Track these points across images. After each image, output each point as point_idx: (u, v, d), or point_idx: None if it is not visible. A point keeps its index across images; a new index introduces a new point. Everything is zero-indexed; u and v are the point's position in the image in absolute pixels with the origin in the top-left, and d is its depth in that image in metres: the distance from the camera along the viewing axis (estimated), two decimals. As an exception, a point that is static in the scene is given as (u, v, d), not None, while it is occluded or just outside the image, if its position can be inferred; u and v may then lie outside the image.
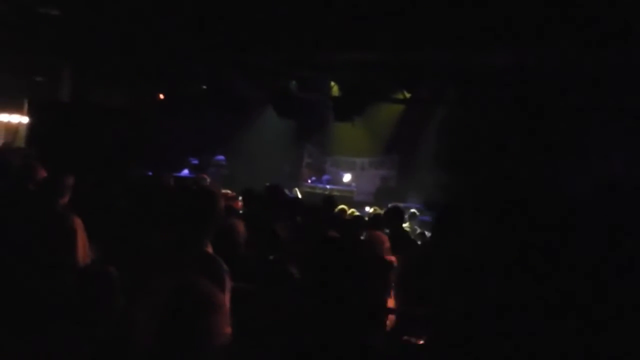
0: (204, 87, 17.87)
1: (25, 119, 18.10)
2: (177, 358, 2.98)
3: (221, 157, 19.93)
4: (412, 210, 15.26)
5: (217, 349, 3.01)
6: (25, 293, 5.00)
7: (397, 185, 20.36)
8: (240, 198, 11.20)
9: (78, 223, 6.22)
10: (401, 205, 16.29)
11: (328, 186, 19.82)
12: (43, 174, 7.10)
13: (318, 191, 19.38)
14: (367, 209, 15.20)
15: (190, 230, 4.82)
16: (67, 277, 5.09)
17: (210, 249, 4.82)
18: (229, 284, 4.64)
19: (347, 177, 20.56)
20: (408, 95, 16.39)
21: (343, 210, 12.77)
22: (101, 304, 4.37)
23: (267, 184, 10.92)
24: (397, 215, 9.60)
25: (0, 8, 14.78)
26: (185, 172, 18.04)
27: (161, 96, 18.46)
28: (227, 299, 4.56)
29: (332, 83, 17.62)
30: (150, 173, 13.09)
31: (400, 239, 8.35)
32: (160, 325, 3.01)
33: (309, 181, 20.31)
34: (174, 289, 3.16)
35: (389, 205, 11.75)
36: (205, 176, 16.05)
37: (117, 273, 4.59)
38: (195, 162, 19.01)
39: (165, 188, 9.49)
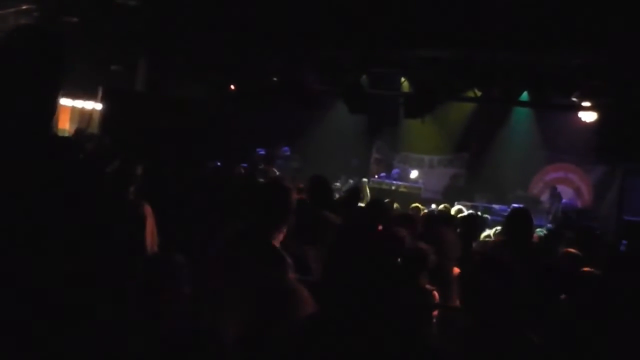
0: (275, 79, 17.94)
1: (99, 106, 18.40)
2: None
3: (286, 149, 20.01)
4: (485, 215, 15.05)
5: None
6: (93, 279, 5.09)
7: (465, 184, 20.23)
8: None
9: (148, 211, 6.32)
10: (469, 204, 16.29)
11: (395, 182, 19.76)
12: (116, 160, 7.21)
13: (384, 187, 19.33)
14: (434, 206, 15.14)
15: (262, 224, 4.82)
16: (135, 263, 5.17)
17: (277, 243, 4.83)
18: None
19: (414, 174, 20.47)
20: (479, 93, 16.26)
21: (417, 208, 12.74)
22: (166, 291, 4.41)
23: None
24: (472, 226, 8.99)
25: (78, -1, 15.05)
26: (244, 164, 18.14)
27: (232, 87, 18.59)
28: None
29: (403, 79, 17.57)
30: (219, 164, 13.20)
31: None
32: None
33: (377, 176, 20.26)
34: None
35: (466, 214, 11.49)
36: (274, 169, 16.17)
37: (184, 261, 4.64)
38: (262, 152, 19.11)
39: (236, 179, 9.56)
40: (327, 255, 2.92)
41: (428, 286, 5.92)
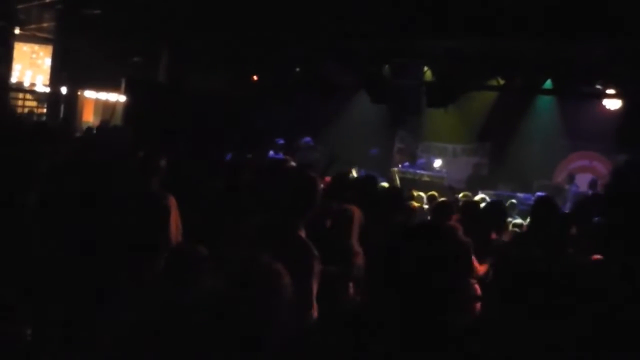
0: (298, 70, 17.95)
1: (122, 98, 18.50)
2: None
3: (308, 139, 20.00)
4: (512, 200, 14.99)
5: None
6: (120, 269, 5.14)
7: (489, 173, 20.17)
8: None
9: (172, 202, 6.35)
10: (492, 193, 16.24)
11: (419, 171, 19.71)
12: (140, 152, 7.24)
13: (409, 176, 19.30)
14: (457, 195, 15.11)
15: (286, 215, 4.83)
16: (160, 254, 5.20)
17: (302, 233, 4.84)
18: (317, 268, 4.68)
19: (437, 163, 20.41)
20: (502, 82, 16.20)
21: (433, 196, 12.73)
22: (190, 282, 4.44)
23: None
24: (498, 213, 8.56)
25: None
26: (271, 153, 18.15)
27: (255, 78, 18.61)
28: (315, 283, 4.65)
29: (426, 68, 17.52)
30: (249, 155, 13.23)
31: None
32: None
33: (401, 166, 20.22)
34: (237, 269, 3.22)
35: (489, 201, 11.39)
36: (291, 158, 16.15)
37: (207, 253, 4.66)
38: (281, 142, 19.11)
39: (259, 170, 9.56)
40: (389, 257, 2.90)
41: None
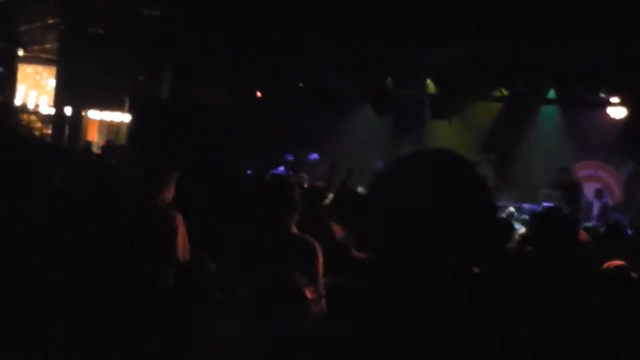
0: (301, 84, 17.98)
1: (127, 117, 18.54)
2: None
3: (315, 156, 19.98)
4: (510, 209, 15.02)
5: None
6: (128, 288, 5.14)
7: (494, 184, 20.13)
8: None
9: (179, 219, 6.35)
10: (498, 204, 16.19)
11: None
12: (144, 171, 7.24)
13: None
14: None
15: (272, 216, 5.09)
16: (168, 272, 5.22)
17: (295, 229, 5.13)
18: (320, 257, 5.01)
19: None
20: (506, 92, 16.22)
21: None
22: (199, 298, 4.45)
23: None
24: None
25: (103, 9, 15.16)
26: (281, 169, 18.15)
27: (259, 94, 18.64)
28: (320, 268, 4.98)
29: (428, 81, 17.53)
30: (249, 171, 13.24)
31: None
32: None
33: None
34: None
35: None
36: (304, 175, 16.16)
37: (215, 268, 4.68)
38: (291, 158, 19.10)
39: (264, 186, 9.56)
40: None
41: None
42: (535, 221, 7.00)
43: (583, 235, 7.96)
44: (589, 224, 13.07)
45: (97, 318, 4.83)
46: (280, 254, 4.55)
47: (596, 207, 17.40)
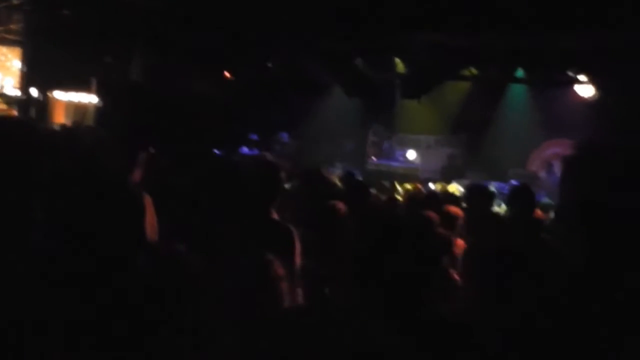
0: (271, 66, 17.93)
1: (93, 99, 18.38)
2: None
3: (284, 135, 19.98)
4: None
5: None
6: (95, 273, 5.08)
7: (463, 164, 20.21)
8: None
9: (147, 201, 6.29)
10: (466, 183, 16.27)
11: (393, 164, 19.79)
12: (113, 152, 7.18)
13: (383, 169, 19.37)
14: (431, 185, 15.15)
15: (254, 201, 5.01)
16: (136, 255, 5.17)
17: (275, 216, 4.99)
18: (298, 246, 4.95)
19: (411, 155, 20.48)
20: (475, 72, 16.27)
21: (406, 190, 12.75)
22: (170, 283, 4.40)
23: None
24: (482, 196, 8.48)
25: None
26: (245, 149, 18.13)
27: (227, 75, 18.56)
28: (297, 259, 4.93)
29: (397, 61, 17.54)
30: (216, 151, 13.17)
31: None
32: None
33: (375, 159, 20.28)
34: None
35: (472, 184, 11.36)
36: (267, 154, 16.15)
37: (186, 251, 4.63)
38: (254, 137, 19.07)
39: (232, 167, 9.51)
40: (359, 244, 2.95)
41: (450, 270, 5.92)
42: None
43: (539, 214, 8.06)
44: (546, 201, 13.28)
45: (68, 300, 4.75)
46: (258, 240, 4.50)
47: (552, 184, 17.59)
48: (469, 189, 9.14)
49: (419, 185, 13.12)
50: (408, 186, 13.29)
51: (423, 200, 8.64)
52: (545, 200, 15.37)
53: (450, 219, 6.96)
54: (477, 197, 8.32)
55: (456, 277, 5.78)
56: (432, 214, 6.76)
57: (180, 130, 14.57)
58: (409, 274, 2.81)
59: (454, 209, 7.42)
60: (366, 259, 2.86)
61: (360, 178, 13.32)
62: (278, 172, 5.27)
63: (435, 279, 5.34)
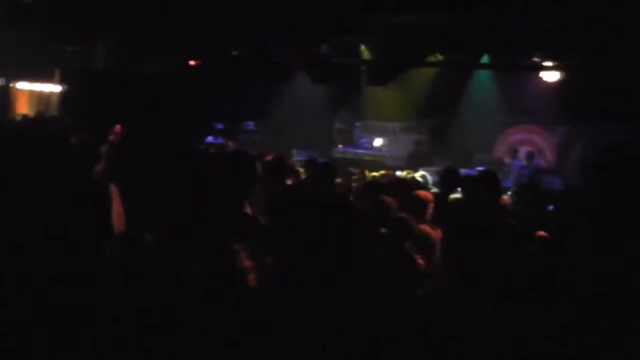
0: (237, 52, 17.83)
1: (57, 88, 18.19)
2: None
3: (250, 124, 19.92)
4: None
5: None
6: (62, 263, 5.02)
7: (429, 150, 20.28)
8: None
9: (113, 190, 6.24)
10: (433, 170, 16.33)
11: (359, 151, 19.82)
12: (78, 142, 7.12)
13: (350, 156, 19.39)
14: (399, 173, 15.17)
15: (232, 195, 4.92)
16: (105, 243, 5.11)
17: (248, 210, 4.94)
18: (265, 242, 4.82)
19: (378, 142, 20.51)
20: (441, 58, 16.29)
21: (387, 175, 12.74)
22: (137, 270, 4.37)
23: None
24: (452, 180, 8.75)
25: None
26: (210, 138, 18.08)
27: (192, 62, 18.44)
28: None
29: (363, 47, 17.52)
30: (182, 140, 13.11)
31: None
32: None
33: (341, 146, 20.29)
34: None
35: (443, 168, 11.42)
36: (231, 143, 16.11)
37: (152, 240, 4.59)
38: (220, 126, 19.01)
39: (197, 155, 9.48)
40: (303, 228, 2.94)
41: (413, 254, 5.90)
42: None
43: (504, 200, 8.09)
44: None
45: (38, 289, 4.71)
46: (227, 231, 4.45)
47: (516, 169, 17.75)
48: (440, 174, 9.24)
49: (388, 173, 13.11)
50: (375, 174, 13.32)
51: (385, 186, 8.74)
52: (511, 185, 15.50)
53: (417, 204, 6.96)
54: (450, 181, 8.48)
55: (420, 261, 5.78)
56: (390, 199, 6.77)
57: (146, 119, 14.47)
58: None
59: (423, 194, 7.43)
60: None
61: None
62: (253, 166, 5.20)
63: (398, 262, 5.34)
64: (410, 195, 7.34)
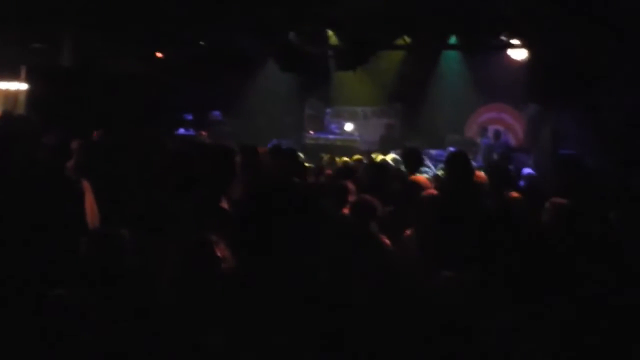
0: (202, 43, 17.75)
1: (23, 86, 18.01)
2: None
3: (217, 113, 19.84)
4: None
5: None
6: (38, 258, 5.00)
7: (401, 133, 20.30)
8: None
9: (86, 186, 6.22)
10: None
11: (331, 137, 19.82)
12: (48, 139, 7.07)
13: (322, 142, 19.38)
14: (372, 156, 15.20)
15: (211, 189, 4.90)
16: (78, 240, 5.09)
17: (225, 205, 4.90)
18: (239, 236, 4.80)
19: (349, 127, 20.51)
20: (409, 40, 16.31)
21: (360, 159, 12.75)
22: (113, 265, 4.36)
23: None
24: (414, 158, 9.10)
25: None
26: (181, 130, 17.99)
27: (159, 55, 18.33)
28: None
29: (330, 33, 17.50)
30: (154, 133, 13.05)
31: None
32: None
33: (313, 133, 20.27)
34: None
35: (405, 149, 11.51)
36: (204, 133, 16.05)
37: (128, 234, 4.57)
38: (189, 117, 18.92)
39: (170, 148, 9.43)
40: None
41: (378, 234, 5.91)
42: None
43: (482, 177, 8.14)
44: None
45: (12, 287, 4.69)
46: (204, 222, 4.43)
47: (484, 147, 17.83)
48: (403, 154, 9.38)
49: (361, 157, 13.12)
50: (345, 159, 13.36)
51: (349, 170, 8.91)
52: (481, 164, 15.59)
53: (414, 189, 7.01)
54: (413, 160, 8.70)
55: (387, 241, 5.80)
56: (349, 183, 6.82)
57: (116, 114, 14.39)
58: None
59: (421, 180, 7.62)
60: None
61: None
62: (233, 162, 5.19)
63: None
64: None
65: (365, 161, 12.20)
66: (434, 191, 6.75)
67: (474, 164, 9.36)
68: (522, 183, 10.41)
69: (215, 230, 3.67)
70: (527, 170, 11.64)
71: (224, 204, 5.01)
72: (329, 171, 10.29)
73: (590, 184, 8.52)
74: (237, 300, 3.01)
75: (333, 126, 20.60)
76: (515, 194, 7.61)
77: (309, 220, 3.17)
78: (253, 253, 2.85)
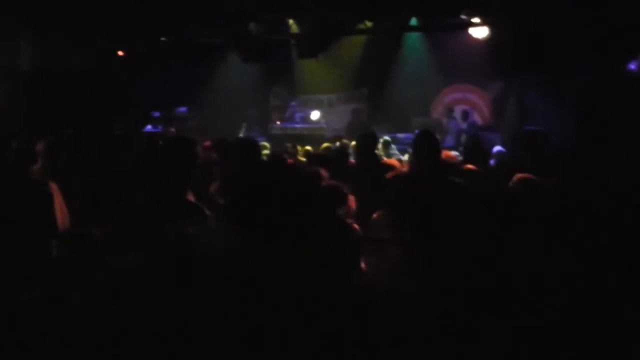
0: (163, 39, 17.65)
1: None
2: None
3: (183, 109, 19.76)
4: (386, 138, 15.30)
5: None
6: (8, 262, 4.95)
7: (368, 118, 20.31)
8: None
9: (54, 188, 6.15)
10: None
11: (298, 126, 19.79)
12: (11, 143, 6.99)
13: (289, 132, 19.34)
14: (338, 144, 15.21)
15: (176, 182, 4.89)
16: (48, 242, 5.04)
17: (191, 197, 4.90)
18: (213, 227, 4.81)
19: (315, 115, 20.47)
20: (370, 25, 16.31)
21: (328, 148, 12.77)
22: (85, 265, 4.32)
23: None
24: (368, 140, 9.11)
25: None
26: (149, 127, 17.91)
27: (120, 53, 18.19)
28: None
29: (291, 21, 17.47)
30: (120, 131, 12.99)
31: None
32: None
33: (279, 123, 20.24)
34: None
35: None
36: (172, 129, 15.98)
37: (99, 234, 4.54)
38: (157, 114, 18.83)
39: (137, 145, 9.38)
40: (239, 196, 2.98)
41: (348, 220, 5.90)
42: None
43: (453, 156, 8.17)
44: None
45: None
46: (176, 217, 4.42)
47: (454, 129, 17.92)
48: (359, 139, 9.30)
49: (329, 145, 13.16)
50: (308, 147, 13.42)
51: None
52: (452, 145, 15.64)
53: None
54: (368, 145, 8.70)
55: (356, 227, 5.80)
56: (323, 171, 6.84)
57: (80, 114, 14.28)
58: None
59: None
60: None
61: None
62: (194, 152, 5.18)
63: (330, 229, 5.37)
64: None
65: (333, 148, 12.22)
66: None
67: (443, 144, 9.42)
68: (492, 161, 10.43)
69: (185, 223, 3.63)
70: (497, 148, 11.67)
71: (190, 197, 5.00)
72: (290, 160, 10.34)
73: (555, 159, 8.55)
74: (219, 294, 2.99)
75: (297, 115, 20.57)
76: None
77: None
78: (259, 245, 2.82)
